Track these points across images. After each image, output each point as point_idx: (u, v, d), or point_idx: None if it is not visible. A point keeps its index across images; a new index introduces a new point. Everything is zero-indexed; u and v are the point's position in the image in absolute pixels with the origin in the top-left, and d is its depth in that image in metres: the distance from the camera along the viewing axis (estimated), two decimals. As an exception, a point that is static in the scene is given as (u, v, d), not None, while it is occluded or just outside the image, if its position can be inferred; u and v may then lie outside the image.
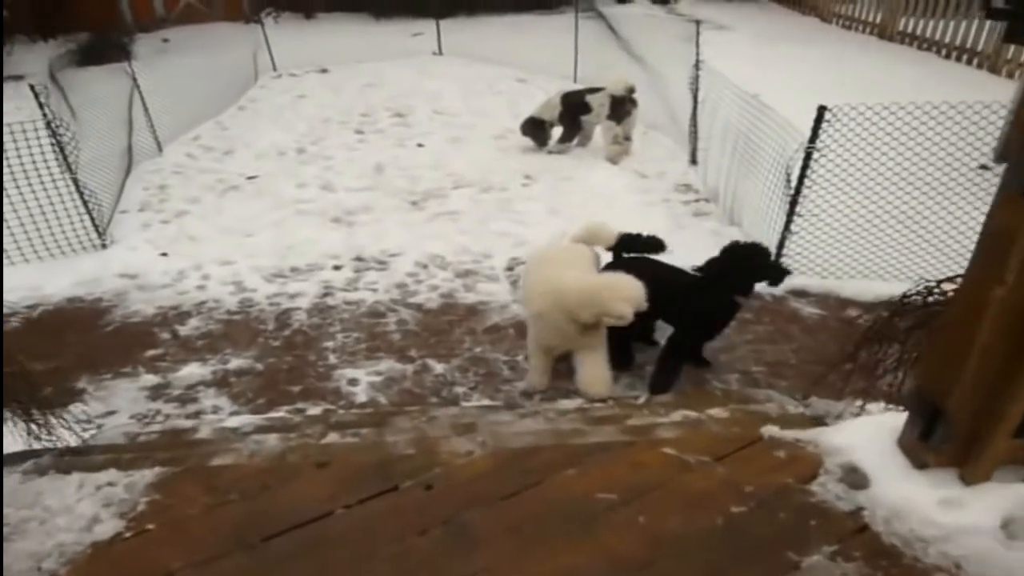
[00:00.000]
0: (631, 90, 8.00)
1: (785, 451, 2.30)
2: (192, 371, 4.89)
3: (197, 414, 4.48)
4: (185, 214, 7.06)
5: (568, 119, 8.37)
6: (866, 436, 2.31)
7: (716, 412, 3.34)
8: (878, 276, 5.82)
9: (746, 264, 4.42)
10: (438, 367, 4.92)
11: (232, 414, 4.47)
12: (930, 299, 3.22)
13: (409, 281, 5.95)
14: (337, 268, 6.14)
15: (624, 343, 4.77)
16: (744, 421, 3.03)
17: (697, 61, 7.51)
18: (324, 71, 12.03)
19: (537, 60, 11.50)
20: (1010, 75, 11.03)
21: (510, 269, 6.11)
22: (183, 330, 5.33)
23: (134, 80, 8.38)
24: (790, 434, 2.37)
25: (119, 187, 7.42)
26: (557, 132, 8.59)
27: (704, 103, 7.60)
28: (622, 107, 8.02)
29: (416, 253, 6.35)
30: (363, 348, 5.13)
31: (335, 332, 5.29)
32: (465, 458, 2.44)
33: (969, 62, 11.83)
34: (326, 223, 6.86)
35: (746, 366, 4.92)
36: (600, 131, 8.31)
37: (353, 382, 4.78)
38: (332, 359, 5.01)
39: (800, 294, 5.76)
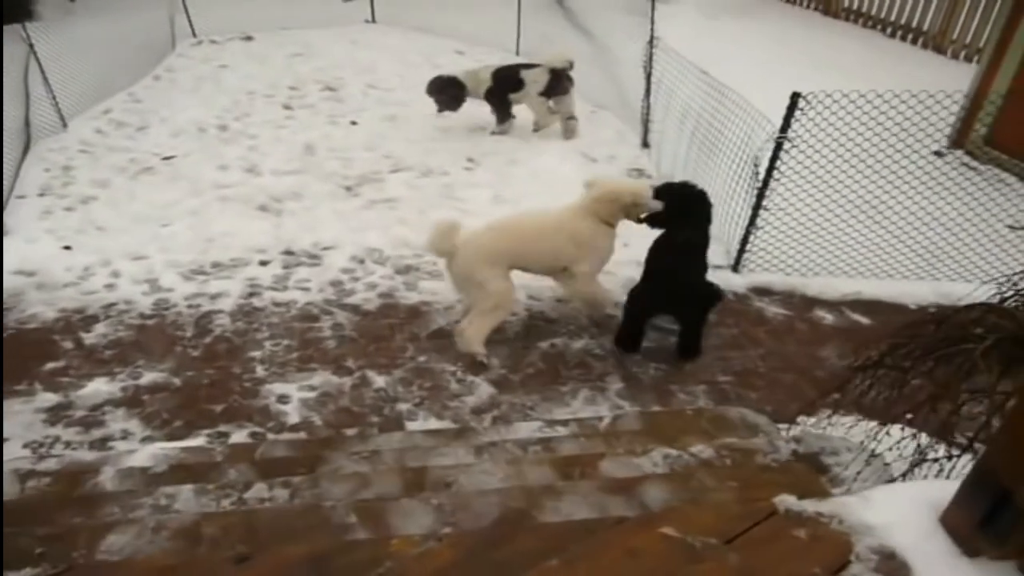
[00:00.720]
0: (571, 65, 7.61)
1: (806, 530, 1.95)
2: (98, 388, 4.36)
3: (103, 441, 3.96)
4: (92, 200, 6.42)
5: (497, 97, 7.82)
6: (902, 512, 1.97)
7: (701, 450, 2.98)
8: (842, 272, 5.57)
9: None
10: (379, 380, 4.49)
11: (144, 440, 3.97)
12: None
13: (345, 278, 5.48)
14: (264, 263, 5.62)
15: (638, 324, 4.70)
16: (746, 477, 2.68)
17: (652, 38, 7.12)
18: (248, 39, 11.28)
19: (478, 31, 10.97)
20: (955, 55, 10.93)
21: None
22: (88, 338, 4.77)
23: (30, 46, 7.58)
24: (810, 506, 2.02)
25: (15, 168, 6.71)
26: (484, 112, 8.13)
27: (659, 83, 7.22)
28: (560, 83, 7.64)
29: (352, 246, 5.86)
30: (294, 358, 4.66)
31: (263, 339, 4.80)
32: (422, 546, 2.01)
33: (914, 41, 11.71)
34: (251, 211, 6.31)
35: (712, 375, 4.61)
36: (529, 106, 7.88)
37: (283, 399, 4.31)
38: (260, 371, 4.53)
39: (764, 292, 5.48)
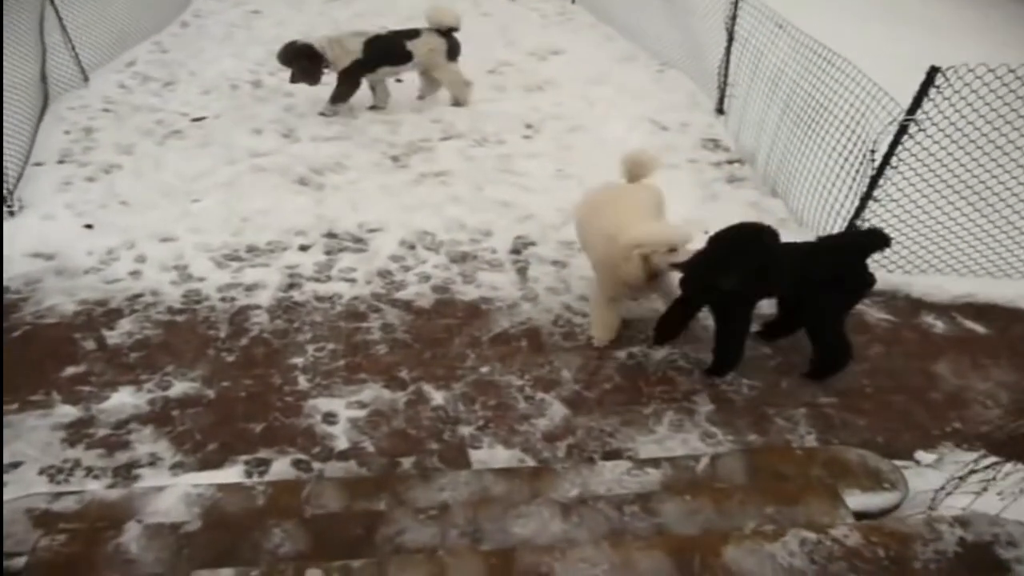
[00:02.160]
0: (457, 24, 6.88)
1: None
2: (123, 400, 3.98)
3: (129, 468, 3.58)
4: (116, 169, 5.99)
5: (356, 73, 6.76)
6: None
7: (845, 535, 2.51)
8: (951, 270, 5.02)
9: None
10: (437, 396, 4.06)
11: (174, 468, 3.58)
12: None
13: (394, 267, 5.02)
14: (304, 248, 5.18)
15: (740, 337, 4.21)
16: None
17: (737, -7, 6.47)
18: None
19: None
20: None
21: (516, 252, 5.20)
22: (112, 336, 4.38)
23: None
24: None
25: (32, 130, 6.29)
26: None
27: (745, 42, 6.58)
28: (456, 47, 6.92)
29: (400, 228, 5.39)
30: (341, 366, 4.23)
31: (305, 342, 4.38)
32: None
33: None
34: (289, 185, 5.85)
35: (813, 396, 4.14)
36: (443, 78, 7.11)
37: (330, 418, 3.90)
38: (302, 382, 4.11)
39: (866, 293, 4.90)
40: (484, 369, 4.26)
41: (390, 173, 6.08)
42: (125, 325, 4.47)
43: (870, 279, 4.00)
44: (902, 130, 4.36)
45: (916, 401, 4.17)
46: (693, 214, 5.66)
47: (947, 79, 4.25)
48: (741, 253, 3.71)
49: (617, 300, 4.36)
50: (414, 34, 6.73)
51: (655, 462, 3.40)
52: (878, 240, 3.96)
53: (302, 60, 6.50)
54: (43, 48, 6.90)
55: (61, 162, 6.08)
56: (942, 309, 4.86)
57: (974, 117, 4.56)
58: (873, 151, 4.51)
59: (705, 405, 4.07)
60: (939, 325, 4.73)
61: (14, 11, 6.60)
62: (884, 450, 3.78)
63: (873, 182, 4.60)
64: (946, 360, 4.47)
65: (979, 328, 4.73)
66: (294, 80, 6.65)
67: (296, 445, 3.76)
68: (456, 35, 6.89)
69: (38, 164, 6.01)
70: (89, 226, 5.27)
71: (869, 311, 4.80)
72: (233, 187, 5.76)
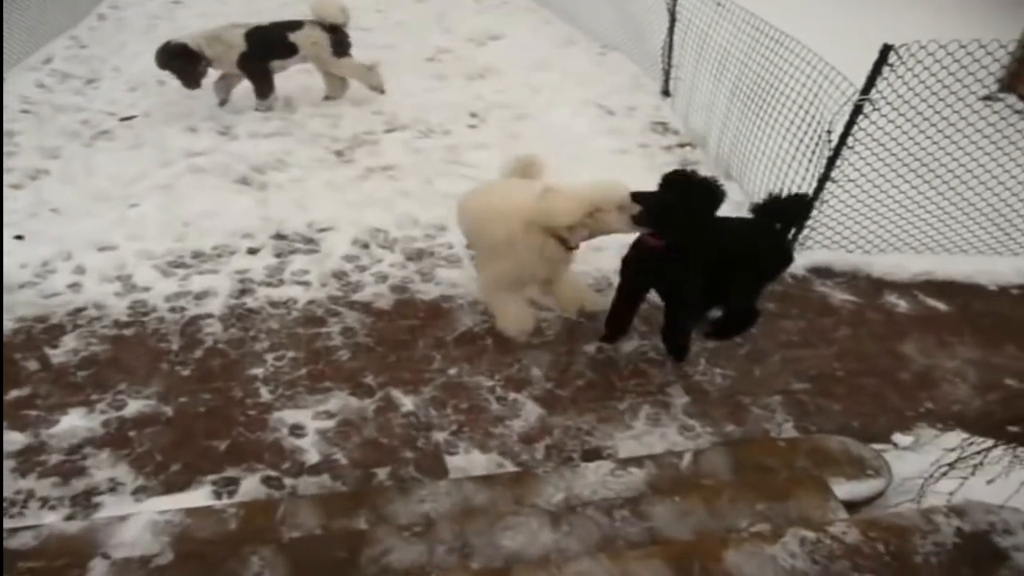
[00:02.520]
0: (346, 19, 6.54)
1: None
2: (74, 423, 3.79)
3: (88, 496, 3.40)
4: (43, 175, 5.71)
5: (255, 66, 6.47)
6: None
7: (844, 532, 2.51)
8: (909, 247, 5.11)
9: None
10: (406, 401, 3.97)
11: (137, 492, 3.42)
12: None
13: (349, 268, 4.89)
14: (253, 252, 5.00)
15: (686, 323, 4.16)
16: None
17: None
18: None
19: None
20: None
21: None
22: (56, 355, 4.17)
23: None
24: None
25: (-51, 136, 5.95)
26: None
27: (688, 23, 6.58)
28: (343, 42, 6.57)
29: (352, 226, 5.26)
30: (303, 375, 4.10)
31: (263, 351, 4.23)
32: None
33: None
34: (230, 185, 5.65)
35: (786, 382, 4.16)
36: (338, 72, 6.78)
37: (298, 430, 3.77)
38: (265, 394, 3.97)
39: (825, 273, 5.02)
40: (452, 371, 4.17)
41: (335, 169, 5.92)
42: (69, 342, 4.25)
43: (788, 257, 4.09)
44: (857, 110, 4.39)
45: (887, 383, 4.22)
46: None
47: (900, 57, 4.28)
48: (700, 196, 3.58)
49: (522, 287, 4.26)
50: (296, 26, 6.40)
51: (638, 461, 3.37)
52: (800, 206, 4.08)
53: (177, 62, 6.21)
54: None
55: (-17, 169, 5.75)
56: (903, 288, 4.94)
57: (928, 95, 4.61)
58: (829, 132, 4.54)
59: (680, 397, 4.06)
60: (902, 304, 4.80)
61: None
62: (862, 435, 3.82)
63: (830, 163, 4.63)
64: (912, 340, 4.55)
65: (941, 305, 4.82)
66: (183, 83, 6.36)
67: (264, 461, 3.62)
68: (345, 30, 6.55)
69: (-43, 172, 5.67)
70: (20, 237, 5.01)
71: (833, 293, 4.86)
72: (171, 190, 5.54)
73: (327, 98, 6.91)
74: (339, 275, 4.82)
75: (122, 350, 4.22)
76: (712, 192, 3.55)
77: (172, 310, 4.50)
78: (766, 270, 4.11)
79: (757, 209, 3.95)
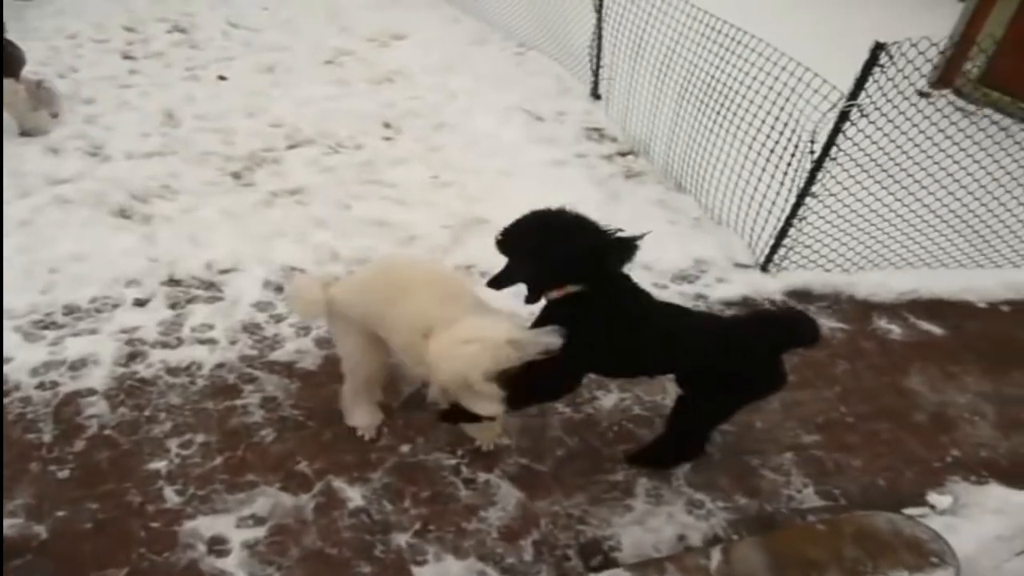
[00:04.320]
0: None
1: None
2: (-87, 559, 2.85)
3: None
4: None
5: None
6: None
7: None
8: (889, 264, 4.67)
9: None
10: (353, 494, 3.23)
11: (6, 658, 2.55)
12: None
13: (262, 319, 4.09)
14: (141, 303, 4.14)
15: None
16: None
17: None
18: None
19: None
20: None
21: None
22: None
23: None
24: None
25: None
26: None
27: (620, 19, 6.00)
28: (14, 54, 5.29)
29: (259, 265, 4.45)
30: (219, 465, 3.31)
31: (164, 435, 3.41)
32: None
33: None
34: (106, 219, 4.73)
35: (794, 435, 3.64)
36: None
37: (218, 545, 3.00)
38: (171, 496, 3.16)
39: (805, 297, 4.56)
40: (404, 448, 3.46)
41: (232, 194, 5.07)
42: (-96, 439, 3.30)
43: (782, 379, 3.13)
44: (843, 116, 3.88)
45: (902, 427, 3.76)
46: (596, 218, 5.01)
47: (891, 58, 3.78)
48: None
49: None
50: None
51: (658, 565, 2.74)
52: (808, 334, 3.07)
53: None
54: None
55: None
56: (892, 310, 4.52)
57: (909, 101, 4.16)
58: (813, 141, 4.02)
59: (680, 465, 3.45)
60: (895, 330, 4.37)
61: None
62: (891, 497, 3.37)
63: (812, 176, 4.11)
64: (915, 372, 4.12)
65: (935, 329, 4.42)
66: None
67: (178, 597, 2.81)
68: (9, 40, 5.24)
69: None
70: None
71: (819, 320, 4.32)
72: (32, 227, 4.58)
73: (24, 134, 5.46)
74: (251, 328, 4.02)
75: (-24, 446, 3.29)
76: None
77: (41, 386, 3.61)
78: (749, 391, 3.20)
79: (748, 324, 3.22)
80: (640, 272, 4.61)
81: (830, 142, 4.04)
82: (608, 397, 3.77)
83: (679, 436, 3.33)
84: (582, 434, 3.56)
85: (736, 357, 2.99)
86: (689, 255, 4.83)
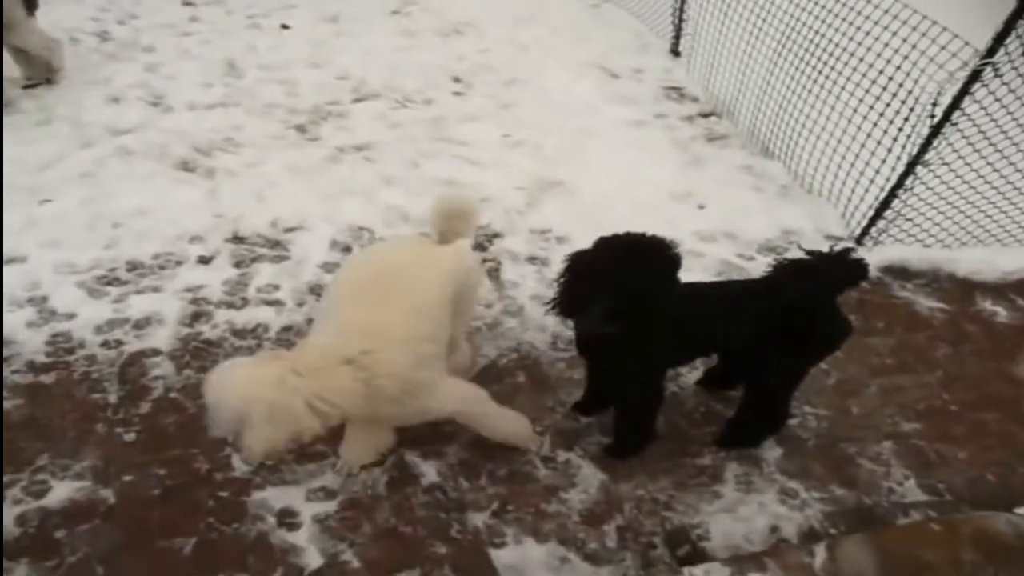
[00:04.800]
0: None
1: None
2: (-23, 519, 2.78)
3: (1, 640, 2.44)
4: (-74, 160, 4.57)
5: None
6: None
7: None
8: (994, 239, 4.37)
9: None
10: (427, 469, 3.09)
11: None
12: None
13: (328, 280, 3.94)
14: (205, 261, 4.03)
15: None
16: None
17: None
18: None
19: None
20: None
21: (481, 249, 4.22)
22: (-49, 414, 3.14)
23: None
24: None
25: None
26: None
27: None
28: None
29: (327, 225, 4.31)
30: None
31: (231, 401, 3.25)
32: None
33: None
34: (169, 172, 4.63)
35: (893, 421, 3.41)
36: (22, 43, 5.02)
37: (288, 519, 2.88)
38: (238, 465, 3.06)
39: (901, 274, 4.28)
40: (479, 422, 3.27)
41: (298, 149, 4.92)
42: (-33, 396, 3.23)
43: (846, 327, 2.99)
44: (974, 76, 3.58)
45: (1013, 419, 3.52)
46: (678, 183, 4.80)
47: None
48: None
49: None
50: None
51: (757, 561, 2.56)
52: (855, 271, 2.87)
53: None
54: None
55: None
56: (997, 290, 4.24)
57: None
58: (935, 104, 3.73)
59: (771, 449, 3.28)
60: (1001, 312, 4.09)
61: None
62: (1001, 492, 3.16)
63: (927, 142, 3.82)
64: (1024, 358, 3.83)
65: (1046, 312, 4.10)
66: None
67: (249, 569, 2.71)
68: None
69: None
70: None
71: (917, 299, 4.11)
72: (95, 179, 4.49)
73: (29, 85, 5.25)
74: (318, 290, 3.88)
75: (41, 405, 3.23)
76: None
77: (105, 345, 3.51)
78: (813, 348, 3.05)
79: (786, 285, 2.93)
80: (724, 241, 4.41)
81: (954, 105, 3.75)
82: (693, 374, 3.57)
83: (757, 409, 3.17)
84: (667, 414, 3.36)
85: (789, 313, 2.83)
86: (776, 225, 4.59)
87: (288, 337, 3.61)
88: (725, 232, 4.45)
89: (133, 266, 3.95)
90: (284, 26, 6.31)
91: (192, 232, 4.17)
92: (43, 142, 4.74)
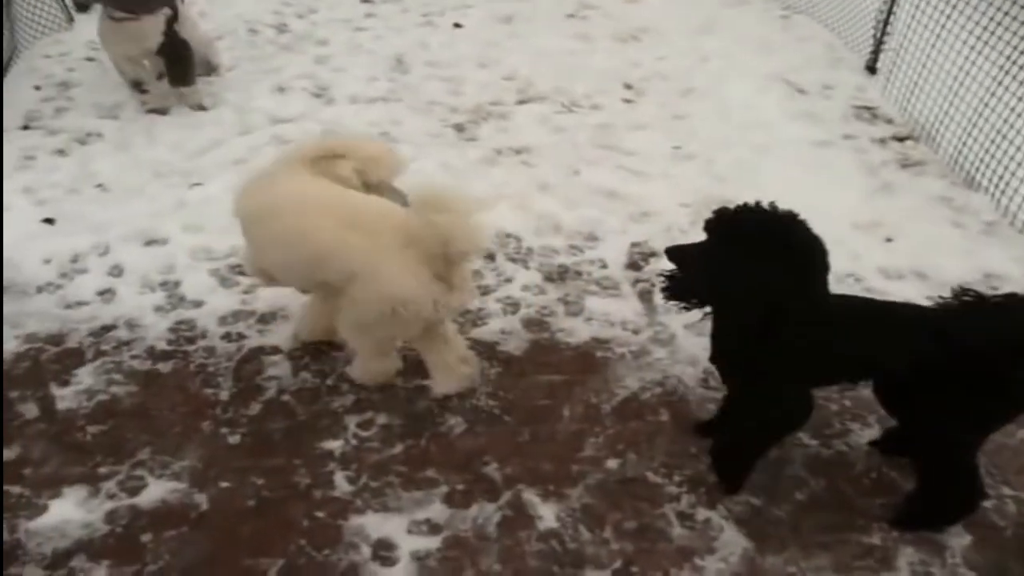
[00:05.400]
0: None
1: None
2: (67, 512, 2.65)
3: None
4: (94, 138, 4.62)
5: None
6: None
7: None
8: None
9: None
10: (545, 512, 2.67)
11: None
12: None
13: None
14: (343, 257, 3.71)
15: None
16: None
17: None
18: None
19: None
20: None
21: (635, 268, 3.74)
22: (64, 397, 3.03)
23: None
24: None
25: (-9, 84, 4.91)
26: None
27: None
28: None
29: (474, 228, 3.91)
30: (399, 454, 2.87)
31: (344, 411, 3.00)
32: None
33: None
34: (321, 163, 4.37)
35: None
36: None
37: (384, 551, 2.55)
38: (341, 482, 2.73)
39: None
40: (611, 463, 2.84)
41: (454, 147, 4.63)
42: (85, 378, 3.09)
43: None
44: None
45: None
46: (863, 212, 4.17)
47: None
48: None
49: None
50: None
51: None
52: None
53: None
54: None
55: (26, 127, 4.71)
56: None
57: None
58: None
59: (958, 536, 2.62)
60: None
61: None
62: None
63: None
64: None
65: None
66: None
67: (332, 606, 2.36)
68: None
69: (-6, 130, 4.60)
70: (50, 220, 3.89)
71: None
72: (247, 166, 4.33)
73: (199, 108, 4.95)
74: (454, 297, 3.50)
75: (153, 396, 3.03)
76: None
77: (227, 337, 3.30)
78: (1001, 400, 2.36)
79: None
80: (913, 280, 3.76)
81: None
82: (866, 432, 2.97)
83: (940, 481, 2.53)
84: (830, 476, 2.81)
85: (963, 355, 2.22)
86: (978, 267, 3.88)
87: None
88: (915, 270, 3.81)
89: (269, 257, 3.71)
90: (457, 24, 6.09)
91: (333, 226, 3.91)
92: (205, 127, 4.68)
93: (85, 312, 3.42)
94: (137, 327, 3.34)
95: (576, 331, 3.42)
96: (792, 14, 6.47)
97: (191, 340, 3.30)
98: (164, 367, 3.17)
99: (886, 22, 5.42)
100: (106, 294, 3.51)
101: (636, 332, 3.43)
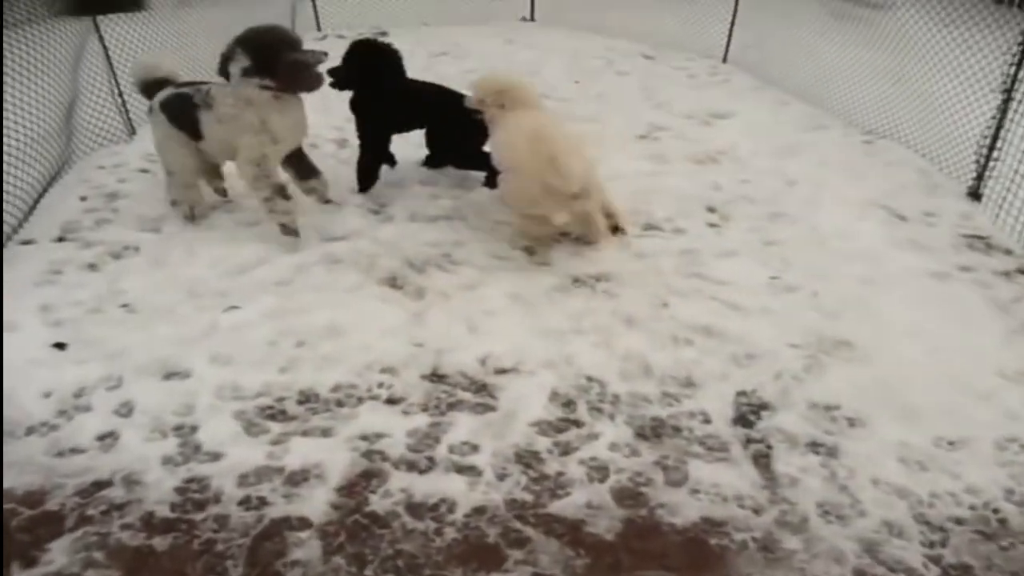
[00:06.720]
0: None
1: None
2: None
3: None
4: (130, 253, 3.89)
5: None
6: None
7: None
8: None
9: None
10: None
11: None
12: None
13: (543, 446, 2.71)
14: (394, 402, 2.89)
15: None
16: None
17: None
18: (382, 34, 8.67)
19: (670, 30, 8.07)
20: None
21: (744, 424, 2.82)
22: (38, 570, 2.10)
23: (97, 31, 5.19)
24: None
25: (37, 192, 4.22)
26: None
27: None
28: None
29: (548, 370, 3.09)
30: None
31: (384, 618, 2.02)
32: None
33: None
34: (374, 285, 3.65)
35: None
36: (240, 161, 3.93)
37: None
38: None
39: None
40: None
41: (524, 273, 3.81)
42: (58, 556, 2.24)
43: None
44: None
45: None
46: (1008, 357, 3.24)
47: None
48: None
49: None
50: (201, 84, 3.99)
51: None
52: None
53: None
54: (75, 90, 4.90)
55: (60, 239, 4.00)
56: None
57: None
58: None
59: None
60: None
61: (47, 42, 4.62)
62: None
63: None
64: None
65: None
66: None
67: None
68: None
69: (26, 242, 3.89)
70: (60, 345, 3.10)
71: None
72: (290, 288, 3.56)
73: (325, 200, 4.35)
74: (527, 459, 2.64)
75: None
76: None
77: (245, 503, 2.42)
78: None
79: None
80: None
81: None
82: None
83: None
84: None
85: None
86: None
87: (479, 525, 2.36)
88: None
89: (306, 397, 2.90)
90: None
91: (385, 362, 3.09)
92: (249, 243, 3.94)
93: (78, 463, 2.59)
94: (136, 485, 2.49)
95: (681, 508, 2.49)
96: (875, 139, 5.66)
97: (200, 505, 2.43)
98: (160, 543, 2.30)
99: (991, 147, 4.59)
100: (107, 439, 2.69)
101: (757, 512, 2.48)
